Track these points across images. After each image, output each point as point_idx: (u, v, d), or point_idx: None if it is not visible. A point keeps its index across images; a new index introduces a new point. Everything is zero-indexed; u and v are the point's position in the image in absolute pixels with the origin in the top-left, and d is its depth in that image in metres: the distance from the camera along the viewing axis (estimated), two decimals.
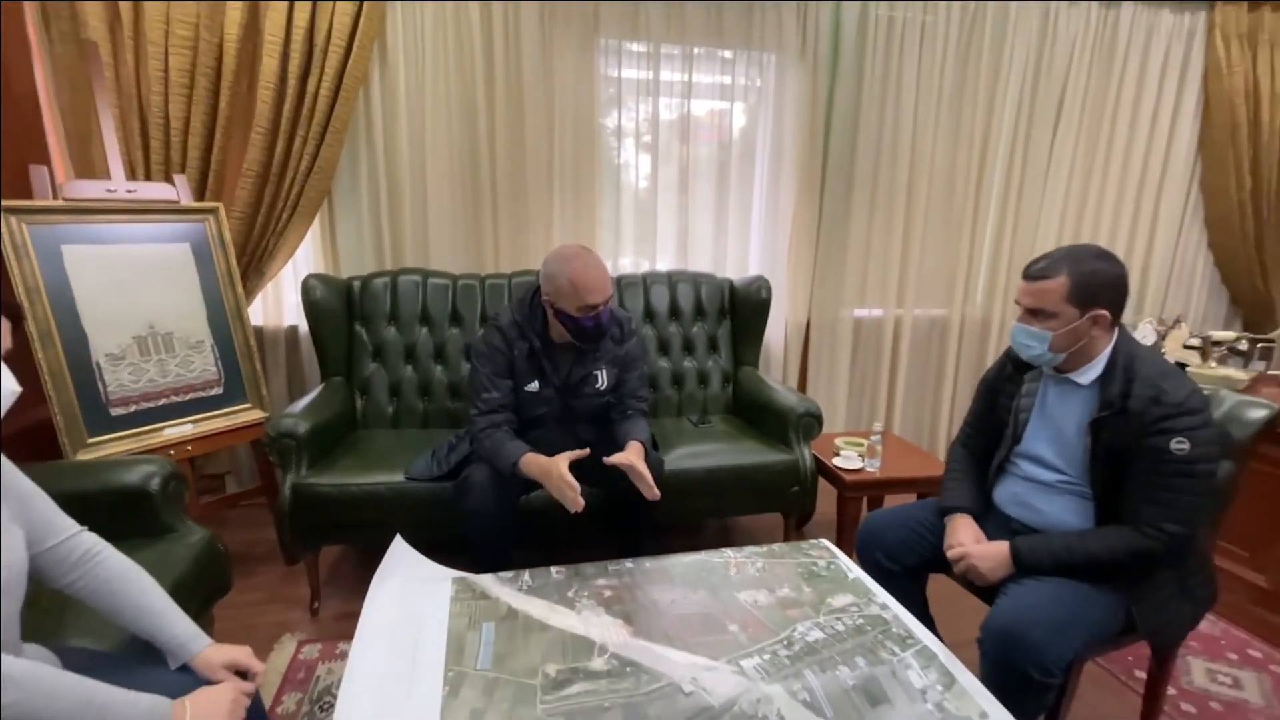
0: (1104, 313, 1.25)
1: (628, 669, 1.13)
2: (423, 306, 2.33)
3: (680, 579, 1.43)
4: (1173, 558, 1.21)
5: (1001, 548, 1.31)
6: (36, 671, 0.75)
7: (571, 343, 1.75)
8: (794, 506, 2.18)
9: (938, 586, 1.55)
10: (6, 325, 0.86)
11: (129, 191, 1.89)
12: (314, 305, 2.17)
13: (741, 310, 2.58)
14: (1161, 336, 2.92)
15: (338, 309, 2.24)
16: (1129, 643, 1.32)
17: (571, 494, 1.55)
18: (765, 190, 2.87)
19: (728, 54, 2.71)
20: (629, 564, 1.47)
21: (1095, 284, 1.25)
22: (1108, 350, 1.29)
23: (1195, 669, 1.79)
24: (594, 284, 1.63)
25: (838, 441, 2.34)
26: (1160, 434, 1.17)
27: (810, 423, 2.15)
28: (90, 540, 1.00)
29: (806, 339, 3.02)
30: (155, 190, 1.97)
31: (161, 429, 1.90)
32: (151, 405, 1.90)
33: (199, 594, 1.46)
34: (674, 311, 2.56)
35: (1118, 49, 2.93)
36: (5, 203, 1.66)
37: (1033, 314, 1.30)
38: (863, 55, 2.75)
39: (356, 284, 2.31)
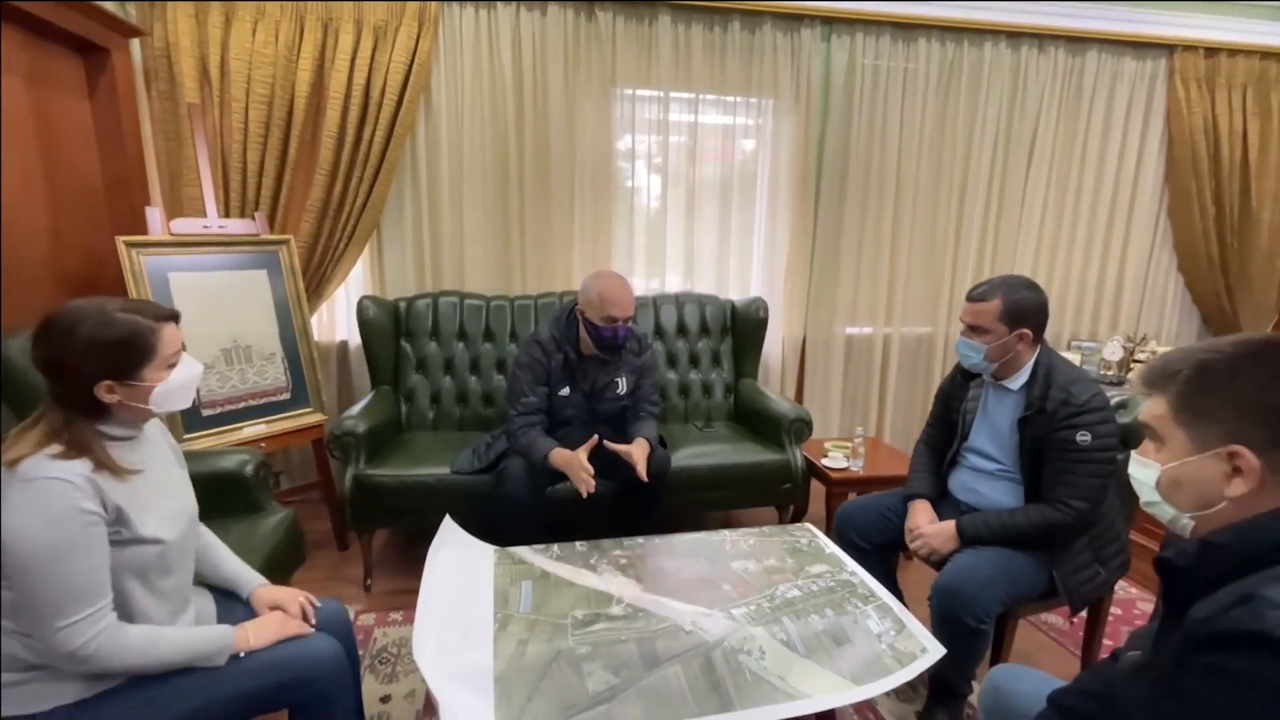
0: (1028, 331, 1.54)
1: (639, 614, 1.41)
2: (460, 324, 2.66)
3: (683, 551, 1.71)
4: (1082, 529, 1.48)
5: (949, 525, 1.59)
6: (146, 629, 1.02)
7: (598, 354, 2.06)
8: (787, 501, 2.46)
9: (916, 572, 1.82)
10: (172, 327, 1.09)
11: (220, 227, 2.24)
12: (367, 323, 2.50)
13: (742, 328, 2.88)
14: (1129, 352, 3.19)
15: (387, 326, 2.57)
16: (1057, 603, 1.58)
17: (585, 476, 1.85)
18: (764, 219, 3.18)
19: (730, 99, 3.04)
20: (640, 539, 1.76)
21: (1022, 308, 1.54)
22: (1032, 361, 1.57)
23: (1124, 635, 2.04)
24: (617, 299, 1.96)
25: (826, 445, 2.62)
26: (1068, 428, 1.45)
27: (801, 427, 2.43)
28: None
29: (803, 354, 3.30)
30: (240, 225, 2.31)
31: (241, 428, 2.22)
32: (233, 407, 2.23)
33: (284, 561, 1.76)
34: (681, 329, 2.87)
35: (1084, 92, 3.23)
36: (127, 238, 2.00)
37: (972, 329, 1.59)
38: (851, 99, 3.06)
39: (403, 304, 2.63)
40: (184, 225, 2.17)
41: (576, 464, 1.89)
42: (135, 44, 2.37)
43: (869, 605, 1.46)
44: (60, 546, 0.90)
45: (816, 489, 2.53)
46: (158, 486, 1.08)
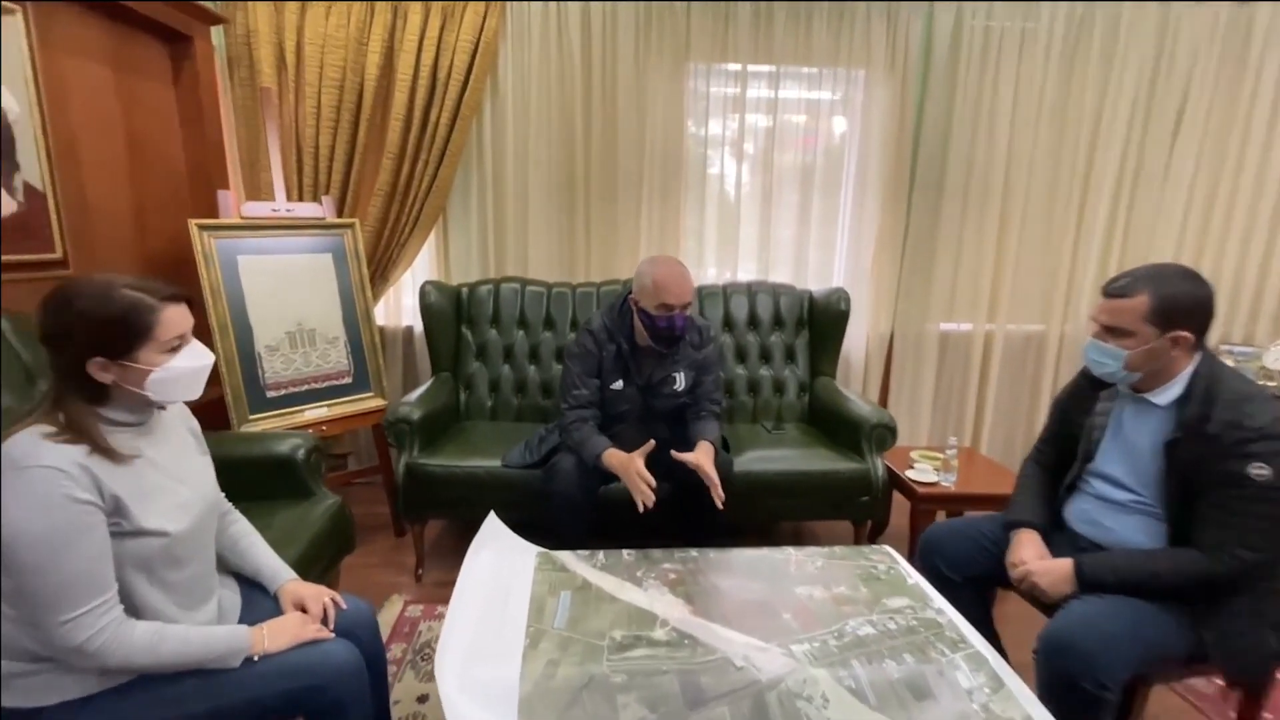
0: (1186, 334, 1.24)
1: (685, 641, 1.25)
2: (520, 311, 2.58)
3: (741, 569, 1.53)
4: (1245, 584, 1.18)
5: (1064, 564, 1.32)
6: (155, 626, 0.96)
7: (654, 346, 1.91)
8: (864, 515, 2.21)
9: (1012, 606, 1.55)
10: (177, 310, 1.02)
11: (288, 211, 2.26)
12: (429, 309, 2.47)
13: (820, 321, 2.63)
14: None
15: (448, 312, 2.52)
16: (1204, 671, 1.28)
17: (644, 488, 1.70)
18: (851, 201, 2.90)
19: (815, 70, 2.77)
20: (694, 553, 1.59)
21: (1178, 305, 1.24)
22: (1188, 372, 1.27)
23: None
24: (673, 286, 1.79)
25: (913, 454, 2.34)
26: (1239, 458, 1.15)
27: (883, 434, 2.18)
28: (229, 504, 1.27)
29: (889, 351, 3.01)
30: (307, 209, 2.33)
31: (303, 410, 2.24)
32: (296, 390, 2.25)
33: (331, 548, 1.73)
34: (752, 321, 2.66)
35: (1251, 51, 2.72)
36: (198, 221, 2.05)
37: (1109, 331, 1.30)
38: (956, 66, 2.73)
39: (465, 290, 2.59)
40: (253, 208, 2.20)
41: (633, 471, 1.74)
42: (218, 32, 2.43)
43: (958, 653, 1.23)
44: (54, 538, 0.85)
45: (899, 504, 2.26)
46: (169, 475, 1.03)
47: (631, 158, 2.74)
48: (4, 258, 1.59)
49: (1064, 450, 1.51)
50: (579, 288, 2.62)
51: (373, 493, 2.71)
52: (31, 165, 1.67)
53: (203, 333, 2.03)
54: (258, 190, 2.54)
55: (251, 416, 2.11)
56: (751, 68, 2.75)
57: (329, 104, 2.48)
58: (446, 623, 1.31)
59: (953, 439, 2.25)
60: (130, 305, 0.93)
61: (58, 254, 1.75)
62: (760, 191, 2.86)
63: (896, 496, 2.25)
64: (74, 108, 1.85)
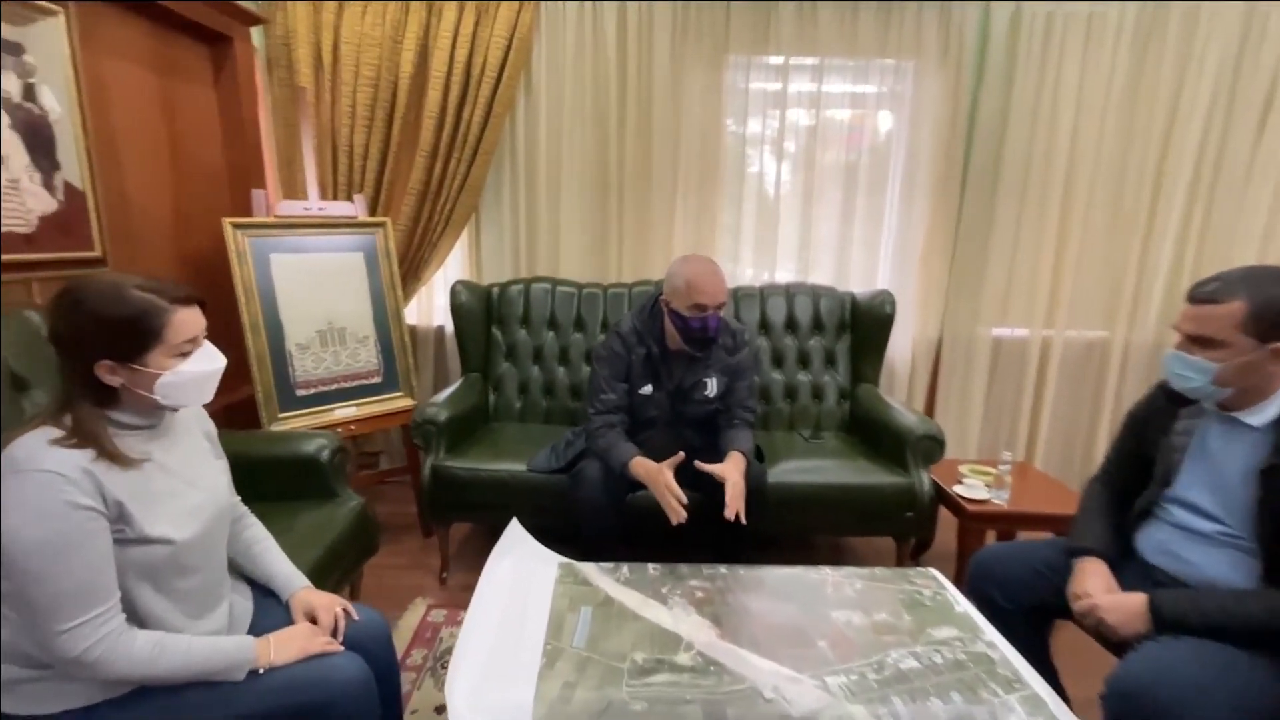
0: None
1: (711, 667, 1.17)
2: (551, 312, 2.53)
3: (773, 589, 1.44)
4: None
5: (1137, 600, 1.18)
6: (157, 637, 0.93)
7: (685, 350, 1.83)
8: (908, 532, 2.08)
9: (1068, 636, 1.42)
10: (189, 312, 0.97)
11: (320, 209, 2.26)
12: (459, 308, 2.44)
13: (863, 325, 2.50)
14: None
15: (478, 312, 2.49)
16: None
17: (674, 504, 1.62)
18: (897, 199, 2.76)
19: (861, 63, 2.64)
20: (723, 569, 1.50)
21: (1278, 312, 1.09)
22: None
23: None
24: (707, 286, 1.71)
25: (962, 468, 2.19)
26: None
27: (930, 446, 2.04)
28: (244, 508, 1.24)
29: (937, 358, 2.85)
30: (339, 208, 2.33)
31: (333, 410, 2.24)
32: (326, 389, 2.25)
33: (352, 552, 1.71)
34: (790, 324, 2.55)
35: None
36: (232, 220, 2.06)
37: (1195, 341, 1.16)
38: (1014, 56, 2.56)
39: (495, 290, 2.55)
40: (287, 207, 2.20)
41: (662, 485, 1.67)
42: (258, 33, 2.45)
43: (1013, 694, 1.11)
44: (52, 545, 0.83)
45: (945, 521, 2.12)
46: (179, 479, 1.00)
47: (666, 154, 2.66)
48: (42, 255, 1.61)
49: (1137, 472, 1.36)
50: (610, 288, 2.56)
51: (403, 492, 2.70)
52: (72, 165, 1.69)
53: (235, 331, 2.07)
54: (294, 189, 2.55)
55: (281, 415, 2.12)
56: (794, 60, 2.63)
57: (364, 103, 2.48)
58: (461, 636, 1.26)
59: (1006, 453, 2.10)
60: (139, 307, 0.90)
61: (97, 252, 1.78)
62: (801, 189, 2.75)
63: (942, 513, 2.11)
64: (115, 108, 1.88)
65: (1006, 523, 2.05)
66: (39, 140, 1.61)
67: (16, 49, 1.54)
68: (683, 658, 1.20)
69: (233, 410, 2.15)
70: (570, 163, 2.67)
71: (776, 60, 2.64)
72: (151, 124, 2.04)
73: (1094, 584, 1.26)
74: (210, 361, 0.99)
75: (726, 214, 2.77)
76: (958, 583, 1.48)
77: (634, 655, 1.20)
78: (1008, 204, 2.68)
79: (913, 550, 2.28)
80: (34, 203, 1.60)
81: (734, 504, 1.64)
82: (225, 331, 2.13)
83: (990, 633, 1.28)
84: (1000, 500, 2.00)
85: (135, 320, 0.90)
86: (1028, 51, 2.53)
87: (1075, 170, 2.62)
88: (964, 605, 1.38)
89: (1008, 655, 1.21)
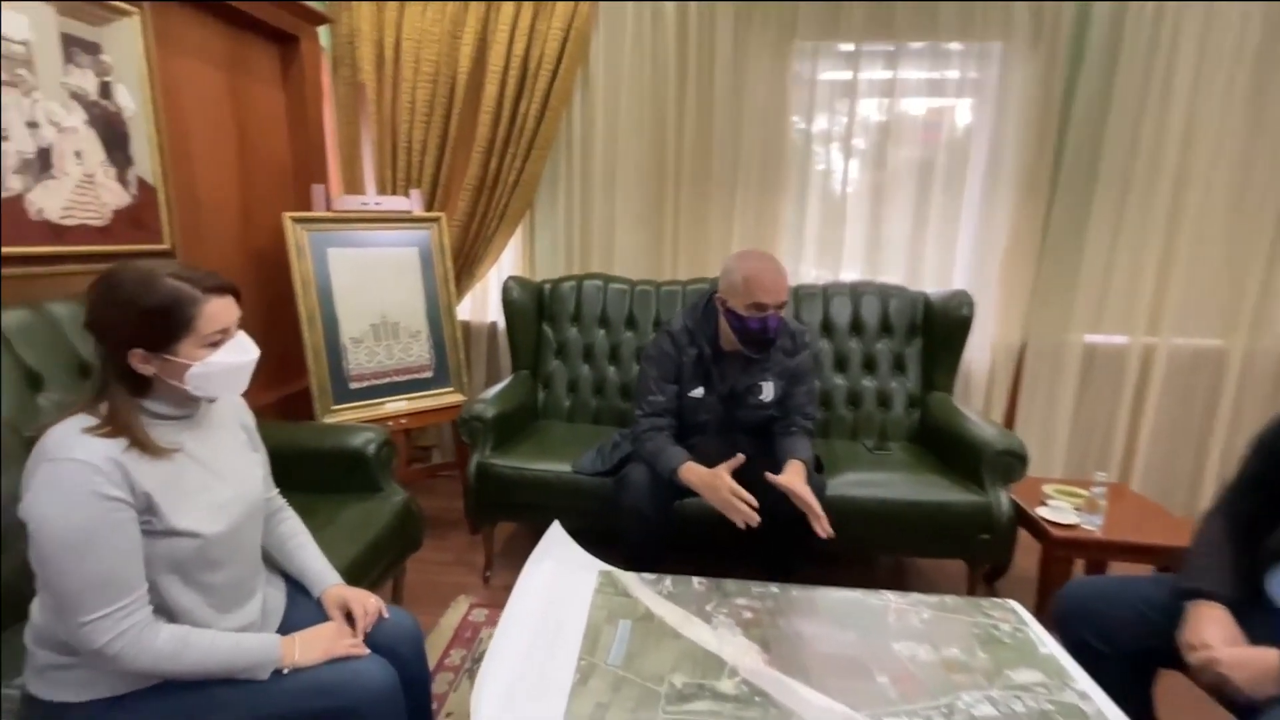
0: None
1: (756, 698, 1.06)
2: (602, 310, 2.47)
3: (829, 614, 1.32)
4: None
5: (1269, 656, 1.00)
6: (181, 632, 0.91)
7: (740, 351, 1.72)
8: (983, 557, 1.90)
9: (1173, 685, 1.23)
10: (222, 302, 0.94)
11: (377, 204, 2.28)
12: (510, 305, 2.42)
13: (937, 328, 2.32)
14: None
15: (530, 309, 2.46)
16: None
17: (743, 509, 1.52)
18: (978, 194, 2.55)
19: (940, 47, 2.45)
20: (774, 588, 1.39)
21: None
22: None
23: None
24: (767, 283, 1.60)
25: (1047, 488, 1.98)
26: None
27: (1010, 462, 1.85)
28: (281, 501, 1.22)
29: (1020, 365, 2.61)
30: (396, 203, 2.35)
31: (384, 403, 2.26)
32: (378, 382, 2.27)
33: (395, 546, 1.70)
34: (856, 325, 2.39)
35: None
36: (291, 214, 2.10)
37: None
38: (1119, 37, 2.31)
39: (547, 287, 2.51)
40: (345, 202, 2.24)
41: (724, 488, 1.54)
42: (324, 32, 2.51)
43: None
44: (78, 535, 0.82)
45: (1026, 545, 1.92)
46: (212, 471, 0.99)
47: (727, 150, 2.56)
48: (114, 247, 1.67)
49: (1268, 503, 1.16)
50: (663, 286, 2.47)
51: (453, 487, 2.70)
52: (144, 160, 1.75)
53: (291, 323, 2.11)
54: (355, 185, 2.60)
55: (334, 407, 2.14)
56: (866, 47, 2.47)
57: (423, 98, 2.50)
58: (493, 644, 1.20)
59: (1100, 474, 1.89)
60: (171, 296, 0.89)
61: (166, 244, 1.84)
62: (870, 187, 2.58)
63: (1022, 537, 1.92)
64: (186, 106, 1.94)
65: (1099, 552, 1.84)
66: (114, 136, 1.67)
67: (94, 48, 1.60)
68: (725, 684, 1.10)
69: (289, 402, 2.20)
70: (626, 158, 2.61)
71: (847, 47, 2.49)
72: (221, 121, 2.11)
73: (1213, 633, 1.08)
74: (242, 353, 0.97)
75: (789, 212, 2.64)
76: (1039, 617, 1.32)
77: (672, 678, 1.11)
78: (1106, 199, 2.42)
79: (986, 576, 2.08)
80: (108, 196, 1.66)
81: (820, 519, 1.51)
82: (283, 324, 2.18)
83: (1083, 680, 1.12)
84: (1092, 526, 1.79)
85: (167, 310, 0.88)
86: (1135, 30, 2.28)
87: (1190, 163, 2.34)
88: (1050, 645, 1.22)
89: (1103, 708, 1.05)
